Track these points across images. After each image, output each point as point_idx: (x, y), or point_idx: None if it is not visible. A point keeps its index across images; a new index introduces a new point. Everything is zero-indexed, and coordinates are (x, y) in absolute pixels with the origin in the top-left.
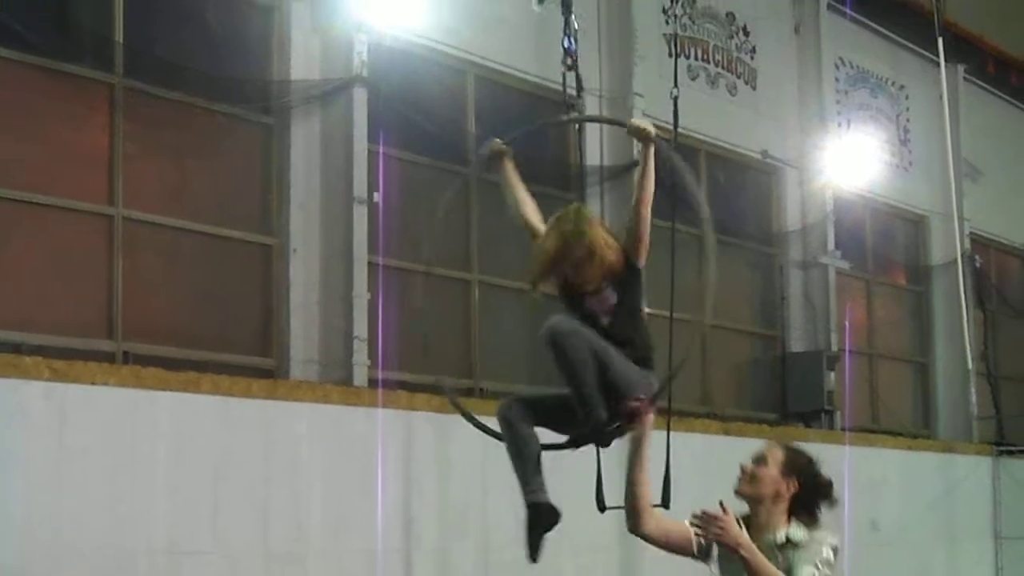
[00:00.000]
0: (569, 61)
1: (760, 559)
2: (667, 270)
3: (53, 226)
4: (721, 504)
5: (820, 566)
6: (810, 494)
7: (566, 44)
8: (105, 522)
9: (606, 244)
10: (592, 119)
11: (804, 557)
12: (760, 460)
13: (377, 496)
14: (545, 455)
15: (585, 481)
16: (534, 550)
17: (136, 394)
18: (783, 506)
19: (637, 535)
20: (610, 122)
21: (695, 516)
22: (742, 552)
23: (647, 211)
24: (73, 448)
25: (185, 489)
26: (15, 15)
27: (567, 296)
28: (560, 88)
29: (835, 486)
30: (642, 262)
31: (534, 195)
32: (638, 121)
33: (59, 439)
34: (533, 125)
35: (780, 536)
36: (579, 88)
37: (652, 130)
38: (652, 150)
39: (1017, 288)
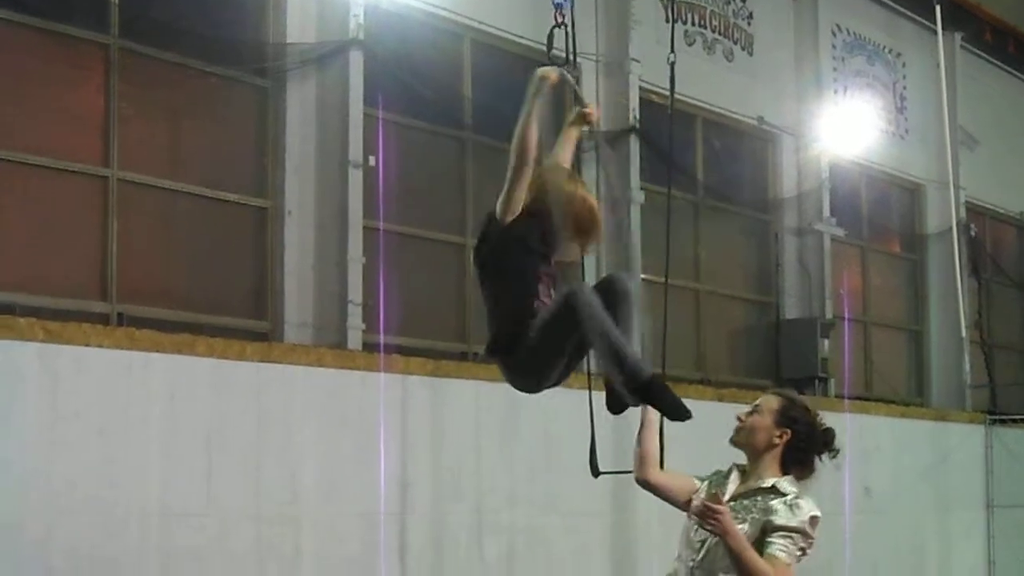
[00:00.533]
0: (560, 18)
1: (743, 545)
2: (662, 236)
3: (47, 187)
4: (717, 496)
5: (794, 534)
6: (804, 443)
7: None
8: (98, 484)
9: None
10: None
11: (781, 511)
12: (754, 410)
13: (372, 460)
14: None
15: (578, 446)
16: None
17: (130, 356)
18: (776, 454)
19: (641, 483)
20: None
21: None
22: (728, 540)
23: None
24: (66, 410)
25: (178, 451)
26: None
27: (528, 248)
28: (560, 53)
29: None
30: None
31: None
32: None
33: (52, 401)
34: None
35: (767, 482)
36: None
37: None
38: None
39: (1012, 257)
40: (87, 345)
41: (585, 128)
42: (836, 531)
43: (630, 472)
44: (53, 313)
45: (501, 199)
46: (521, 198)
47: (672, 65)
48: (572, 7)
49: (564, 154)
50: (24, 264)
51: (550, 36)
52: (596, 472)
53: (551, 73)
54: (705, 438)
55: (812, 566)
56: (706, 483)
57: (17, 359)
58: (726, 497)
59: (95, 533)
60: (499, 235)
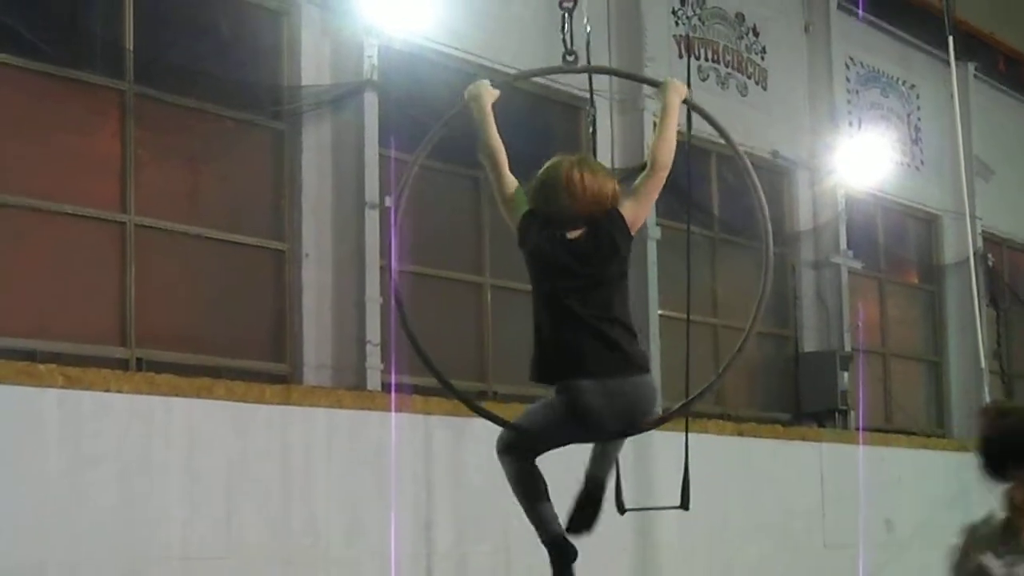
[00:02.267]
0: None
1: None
2: (682, 272)
3: (65, 233)
4: None
5: None
6: None
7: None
8: (120, 528)
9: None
10: (612, 72)
11: None
12: None
13: (393, 501)
14: (552, 455)
15: None
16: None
17: (150, 400)
18: None
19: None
20: (636, 78)
21: None
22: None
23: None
24: (87, 455)
25: (199, 495)
26: (26, 22)
27: (545, 235)
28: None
29: (849, 485)
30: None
31: None
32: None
33: (73, 446)
34: (542, 71)
35: None
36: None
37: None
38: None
39: None
40: (107, 390)
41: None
42: (855, 563)
43: (656, 509)
44: (73, 359)
45: (498, 200)
46: (508, 185)
47: (687, 101)
48: (588, 45)
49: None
50: (43, 310)
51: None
52: (622, 509)
53: (481, 90)
54: (724, 473)
55: None
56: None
57: (38, 405)
58: None
59: None
60: (519, 229)
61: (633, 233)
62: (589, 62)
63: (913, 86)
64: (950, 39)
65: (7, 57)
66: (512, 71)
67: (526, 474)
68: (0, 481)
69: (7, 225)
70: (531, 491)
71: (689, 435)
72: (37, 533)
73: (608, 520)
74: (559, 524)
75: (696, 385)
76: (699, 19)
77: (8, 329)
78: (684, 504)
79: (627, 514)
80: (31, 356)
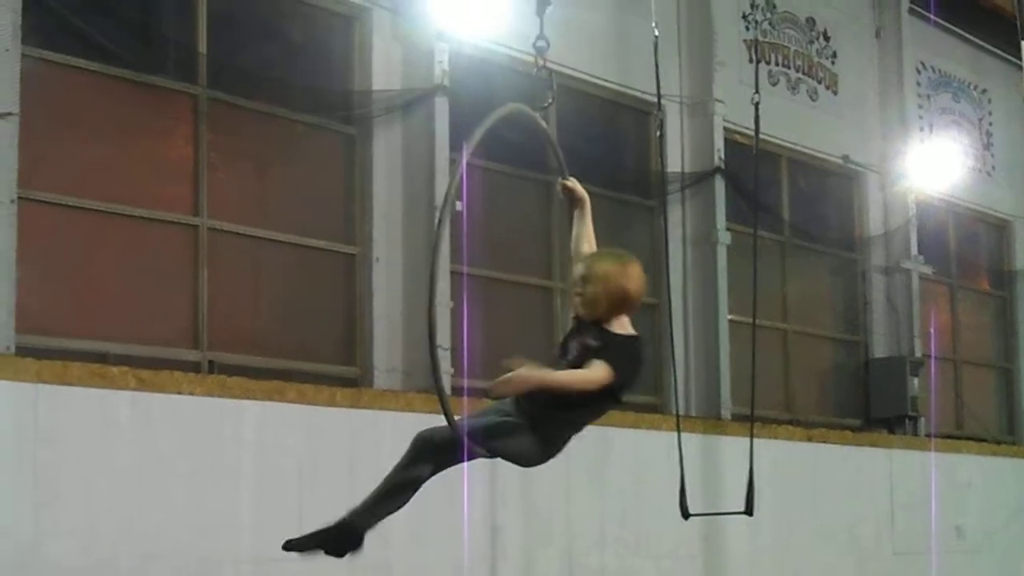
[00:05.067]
0: (541, 61)
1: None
2: (748, 276)
3: (138, 237)
4: None
5: None
6: None
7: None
8: (191, 531)
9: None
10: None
11: None
12: None
13: (462, 505)
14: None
15: (668, 488)
16: (301, 547)
17: (221, 403)
18: None
19: None
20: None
21: None
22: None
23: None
24: (159, 457)
25: (270, 498)
26: (100, 27)
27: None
28: (644, 96)
29: (920, 492)
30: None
31: (616, 202)
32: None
33: (145, 448)
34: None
35: None
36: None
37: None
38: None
39: None
40: (179, 393)
41: (577, 202)
42: (925, 570)
43: (719, 514)
44: (145, 361)
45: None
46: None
47: (756, 106)
48: (656, 50)
49: (582, 233)
50: (116, 313)
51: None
52: (686, 514)
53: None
54: (794, 479)
55: None
56: None
57: (111, 407)
58: None
59: None
60: None
61: None
62: (657, 66)
63: (984, 91)
64: (1022, 43)
65: (82, 62)
66: (582, 75)
67: (413, 480)
68: (73, 482)
69: (82, 229)
70: (399, 491)
71: (758, 441)
72: (109, 534)
73: (674, 526)
74: (372, 519)
75: (764, 390)
76: (769, 23)
77: (82, 331)
78: (748, 510)
79: (694, 520)
80: (104, 358)
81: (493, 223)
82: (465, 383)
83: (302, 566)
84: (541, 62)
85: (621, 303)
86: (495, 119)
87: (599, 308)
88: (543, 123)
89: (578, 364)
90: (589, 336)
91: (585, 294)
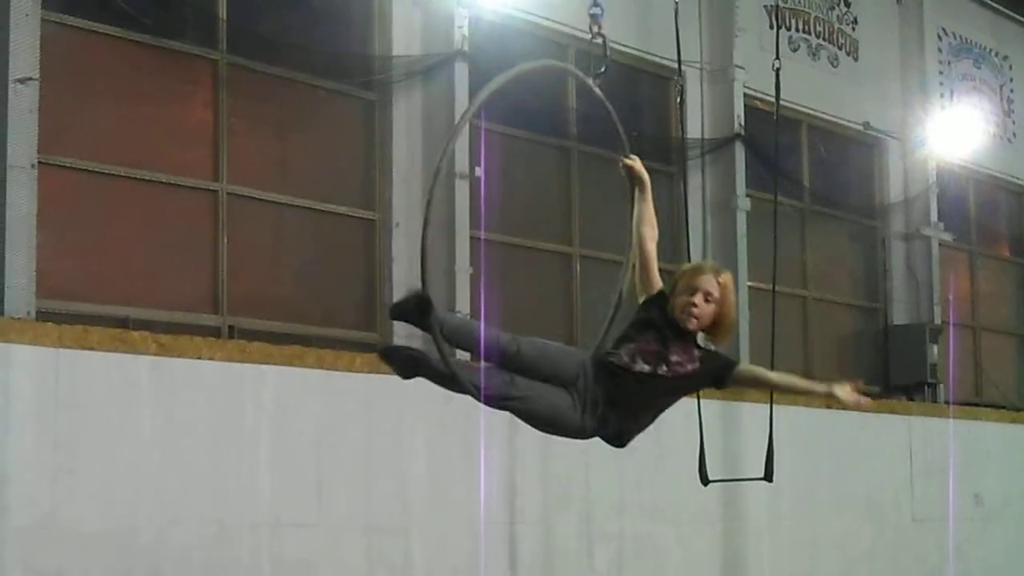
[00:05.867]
0: (595, 28)
1: None
2: (771, 244)
3: (159, 202)
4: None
5: None
6: None
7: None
8: (210, 495)
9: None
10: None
11: None
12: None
13: (480, 469)
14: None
15: (687, 454)
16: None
17: (241, 368)
18: None
19: None
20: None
21: None
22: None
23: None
24: (179, 422)
25: (289, 462)
26: None
27: (655, 322)
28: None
29: (938, 459)
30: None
31: None
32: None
33: (165, 412)
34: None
35: None
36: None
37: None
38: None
39: None
40: (199, 358)
41: (638, 182)
42: (943, 537)
43: (739, 480)
44: (165, 326)
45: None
46: (649, 278)
47: (777, 72)
48: (676, 16)
49: (644, 214)
50: (137, 278)
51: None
52: (706, 480)
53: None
54: (813, 446)
55: (920, 571)
56: None
57: (131, 372)
58: None
59: (206, 542)
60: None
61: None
62: (678, 33)
63: (1006, 57)
64: None
65: (102, 26)
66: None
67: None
68: (93, 447)
69: (102, 194)
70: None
71: (778, 407)
72: (129, 498)
73: (694, 492)
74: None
75: (783, 356)
76: None
77: (102, 296)
78: (768, 476)
79: (714, 487)
80: (124, 323)
81: (512, 189)
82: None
83: (319, 530)
84: (596, 28)
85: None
86: (539, 68)
87: (708, 325)
88: (599, 91)
89: (688, 373)
90: (691, 346)
91: (705, 311)
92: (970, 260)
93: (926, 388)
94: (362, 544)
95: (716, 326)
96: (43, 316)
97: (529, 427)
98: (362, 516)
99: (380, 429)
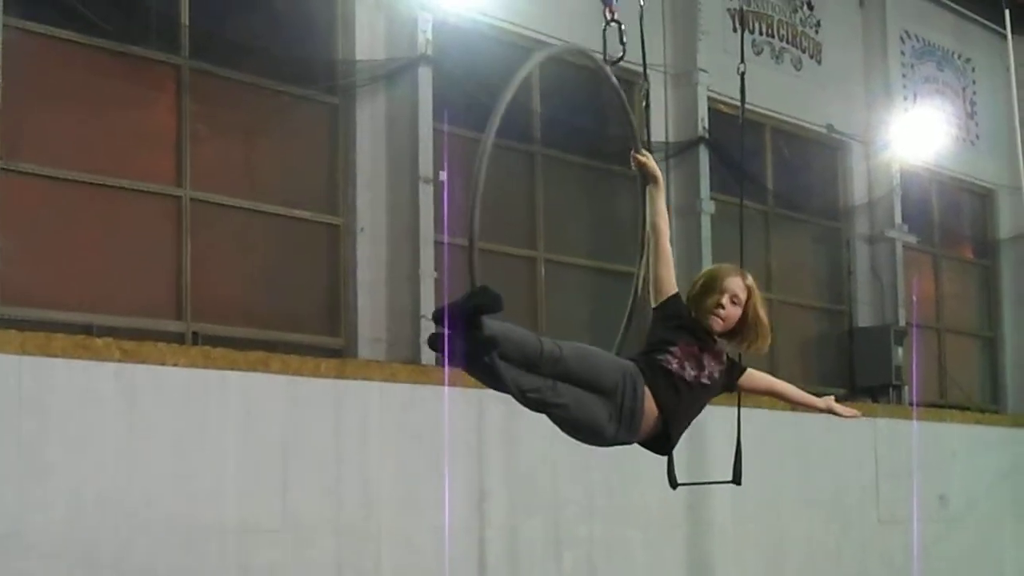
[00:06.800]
0: (609, 15)
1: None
2: (736, 246)
3: (122, 208)
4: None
5: None
6: None
7: None
8: (176, 501)
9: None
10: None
11: None
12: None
13: (447, 474)
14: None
15: (654, 458)
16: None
17: (205, 374)
18: None
19: None
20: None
21: None
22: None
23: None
24: (143, 428)
25: (255, 468)
26: None
27: (686, 325)
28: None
29: (903, 460)
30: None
31: (600, 172)
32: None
33: (129, 419)
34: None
35: None
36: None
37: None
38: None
39: None
40: (163, 364)
41: (651, 178)
42: (908, 538)
43: (708, 484)
44: (129, 332)
45: (651, 286)
46: (666, 278)
47: (742, 75)
48: (641, 20)
49: (657, 210)
50: (100, 284)
51: (604, 33)
52: (674, 484)
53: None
54: (778, 448)
55: (885, 573)
56: None
57: (94, 379)
58: None
59: (172, 549)
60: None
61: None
62: (643, 36)
63: (968, 60)
64: (1006, 12)
65: (64, 32)
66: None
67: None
68: (56, 454)
69: (64, 200)
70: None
71: (743, 410)
72: (93, 506)
73: (661, 495)
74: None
75: (749, 360)
76: None
77: (65, 303)
78: (736, 479)
79: (680, 490)
80: (88, 330)
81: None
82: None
83: (286, 535)
84: (610, 14)
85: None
86: (553, 54)
87: (733, 327)
88: (614, 80)
89: (718, 378)
90: (718, 348)
91: (732, 313)
92: (934, 262)
93: (891, 390)
94: (330, 549)
95: (751, 331)
96: (5, 323)
97: (496, 432)
98: (329, 521)
99: (346, 434)
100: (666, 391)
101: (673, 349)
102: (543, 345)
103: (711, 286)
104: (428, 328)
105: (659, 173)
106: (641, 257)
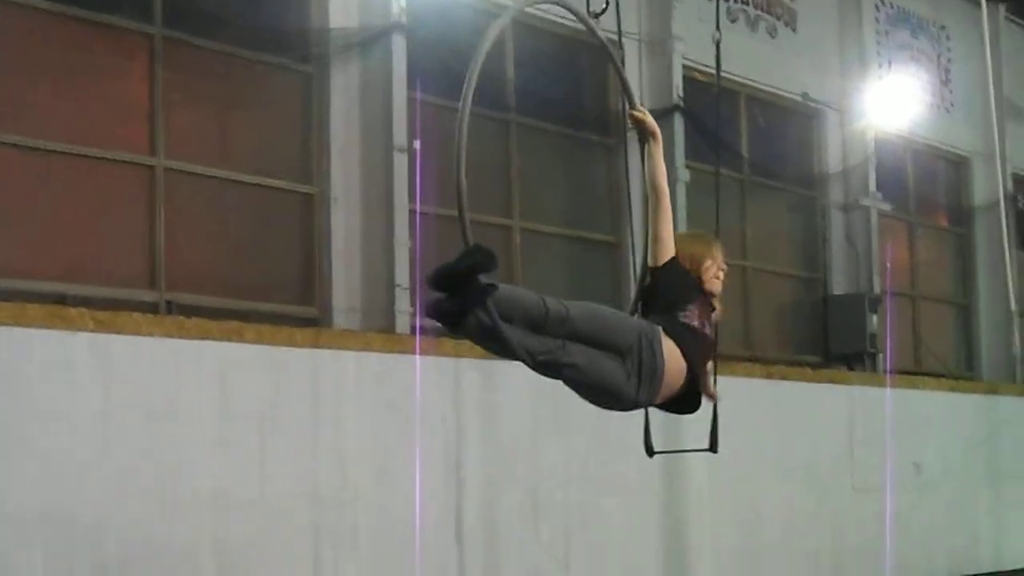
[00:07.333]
0: None
1: None
2: (712, 215)
3: (95, 177)
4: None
5: None
6: None
7: None
8: (151, 472)
9: None
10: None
11: None
12: None
13: (424, 443)
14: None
15: (632, 426)
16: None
17: (180, 344)
18: None
19: None
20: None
21: None
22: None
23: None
24: (118, 399)
25: (230, 438)
26: None
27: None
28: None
29: (878, 428)
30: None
31: (575, 140)
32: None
33: (104, 390)
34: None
35: None
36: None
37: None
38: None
39: None
40: (137, 334)
41: (648, 134)
42: (883, 506)
43: (685, 452)
44: (103, 302)
45: (652, 245)
46: (667, 239)
47: (718, 43)
48: None
49: (655, 166)
50: (73, 254)
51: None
52: (651, 451)
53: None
54: (753, 416)
55: (860, 540)
56: None
57: (68, 349)
58: None
59: (149, 520)
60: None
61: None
62: (618, 3)
63: (943, 27)
64: None
65: (35, 1)
66: (540, 14)
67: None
68: (30, 425)
69: (36, 169)
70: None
71: (718, 378)
72: (67, 478)
73: (637, 463)
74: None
75: (723, 328)
76: None
77: (38, 273)
78: (713, 447)
79: (657, 458)
80: (61, 300)
81: (450, 161)
82: (418, 322)
83: (261, 507)
84: None
85: None
86: (536, 2)
87: None
88: (600, 33)
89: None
90: (712, 311)
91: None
92: (909, 230)
93: (865, 358)
94: (306, 519)
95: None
96: None
97: (472, 401)
98: (305, 491)
99: (321, 404)
100: (693, 346)
101: (691, 307)
102: (547, 304)
103: (709, 253)
104: (403, 297)
105: (657, 128)
106: (649, 216)
